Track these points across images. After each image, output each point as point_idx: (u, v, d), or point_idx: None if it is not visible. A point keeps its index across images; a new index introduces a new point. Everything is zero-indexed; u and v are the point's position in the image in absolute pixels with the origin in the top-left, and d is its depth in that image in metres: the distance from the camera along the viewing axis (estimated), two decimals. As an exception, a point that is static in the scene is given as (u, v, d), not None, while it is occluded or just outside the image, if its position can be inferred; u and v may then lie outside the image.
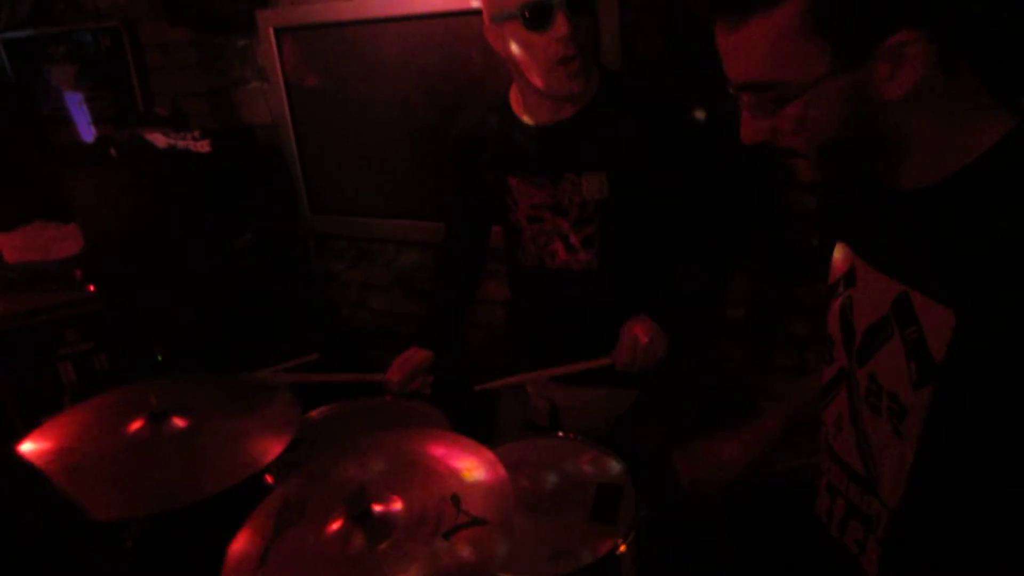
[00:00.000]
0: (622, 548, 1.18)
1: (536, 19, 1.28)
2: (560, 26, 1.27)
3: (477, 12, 2.12)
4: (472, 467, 1.11)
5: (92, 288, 2.43)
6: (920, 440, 0.84)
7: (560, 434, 1.50)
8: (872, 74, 0.74)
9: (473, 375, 1.55)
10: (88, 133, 2.99)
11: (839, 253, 1.00)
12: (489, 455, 1.13)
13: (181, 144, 2.23)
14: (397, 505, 1.06)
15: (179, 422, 1.35)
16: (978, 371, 0.77)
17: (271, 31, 2.55)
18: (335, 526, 1.05)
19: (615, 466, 1.37)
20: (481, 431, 1.67)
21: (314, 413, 1.68)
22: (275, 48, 2.57)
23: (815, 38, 0.74)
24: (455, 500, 1.04)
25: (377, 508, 1.05)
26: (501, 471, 1.09)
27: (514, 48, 1.36)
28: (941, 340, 0.78)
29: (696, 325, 1.63)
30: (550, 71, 1.33)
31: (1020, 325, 0.72)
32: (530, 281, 1.63)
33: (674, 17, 1.92)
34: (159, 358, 2.29)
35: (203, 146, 2.24)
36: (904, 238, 0.86)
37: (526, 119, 1.51)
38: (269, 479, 1.42)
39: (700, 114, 1.45)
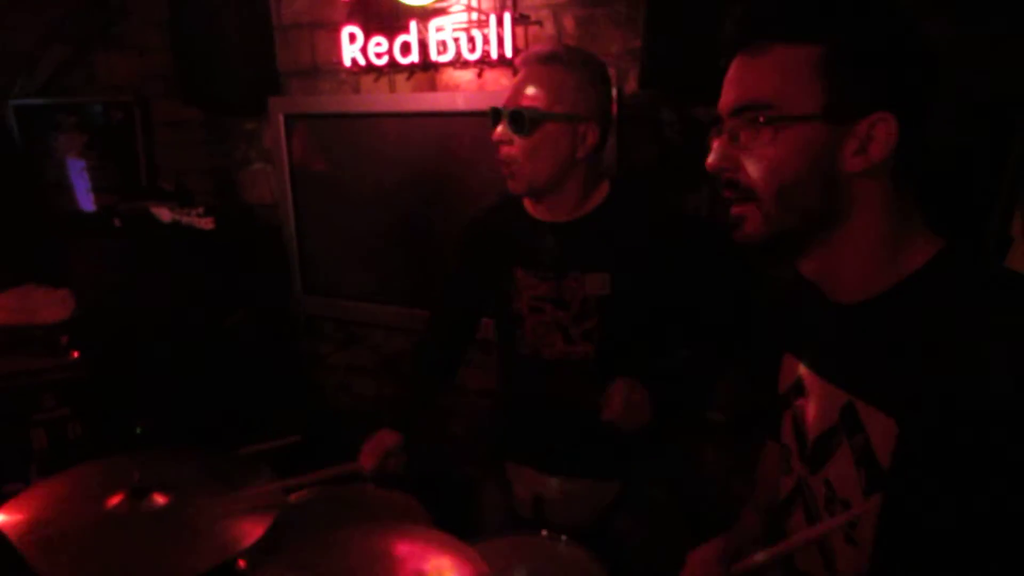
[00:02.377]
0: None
1: (492, 119, 1.50)
2: (497, 132, 1.48)
3: (470, 113, 2.25)
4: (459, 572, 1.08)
5: (76, 355, 2.40)
6: (873, 547, 0.85)
7: (544, 532, 1.48)
8: (845, 142, 0.82)
9: (453, 464, 1.54)
10: (87, 201, 3.02)
11: (787, 364, 1.04)
12: (476, 557, 1.11)
13: (185, 220, 2.27)
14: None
15: (160, 499, 1.33)
16: (922, 477, 0.80)
17: (281, 117, 2.65)
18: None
19: (599, 570, 1.34)
20: (463, 523, 1.65)
21: (292, 497, 1.65)
22: (283, 133, 2.67)
23: (820, 81, 0.82)
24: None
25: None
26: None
27: None
28: (887, 447, 0.82)
29: (680, 401, 1.65)
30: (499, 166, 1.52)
31: (957, 430, 0.76)
32: (524, 370, 1.66)
33: (662, 131, 2.10)
34: (138, 430, 2.25)
35: (207, 223, 2.28)
36: (847, 350, 0.91)
37: (538, 215, 1.59)
38: (242, 564, 1.39)
39: (704, 229, 1.59)
